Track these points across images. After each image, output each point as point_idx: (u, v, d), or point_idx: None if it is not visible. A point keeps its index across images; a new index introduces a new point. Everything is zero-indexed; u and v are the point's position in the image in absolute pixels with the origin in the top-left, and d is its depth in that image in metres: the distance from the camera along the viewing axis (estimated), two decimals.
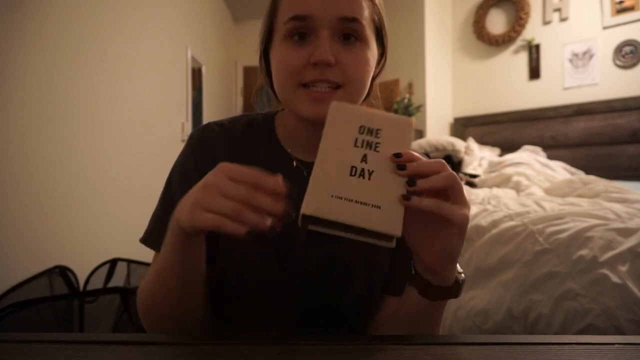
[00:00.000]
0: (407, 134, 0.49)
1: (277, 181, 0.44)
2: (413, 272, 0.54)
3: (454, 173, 0.47)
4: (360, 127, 0.48)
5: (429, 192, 0.46)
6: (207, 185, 0.45)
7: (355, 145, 0.47)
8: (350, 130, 0.48)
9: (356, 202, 0.45)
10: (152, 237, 0.65)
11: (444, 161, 0.48)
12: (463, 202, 0.47)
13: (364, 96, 0.63)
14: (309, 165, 0.66)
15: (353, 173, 0.46)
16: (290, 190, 0.45)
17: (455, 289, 0.53)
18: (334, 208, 0.44)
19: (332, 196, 0.44)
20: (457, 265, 0.53)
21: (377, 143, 0.47)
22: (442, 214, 0.45)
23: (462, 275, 0.54)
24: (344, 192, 0.45)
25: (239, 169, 0.45)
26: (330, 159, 0.47)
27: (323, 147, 0.47)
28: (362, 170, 0.46)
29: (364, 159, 0.47)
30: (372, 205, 0.45)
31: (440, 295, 0.53)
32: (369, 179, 0.46)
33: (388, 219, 0.44)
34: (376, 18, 0.62)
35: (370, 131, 0.48)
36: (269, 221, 0.44)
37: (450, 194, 0.46)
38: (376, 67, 0.65)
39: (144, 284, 0.62)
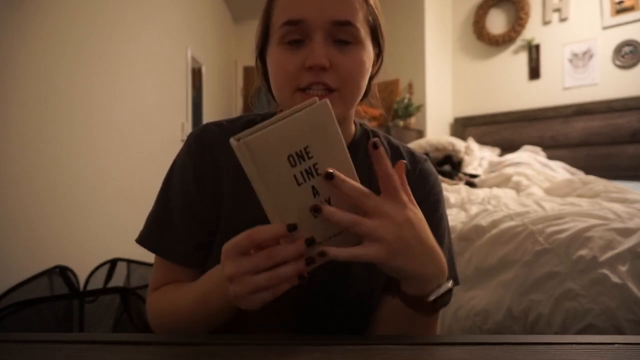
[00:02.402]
0: (330, 127, 0.43)
1: (274, 231, 0.44)
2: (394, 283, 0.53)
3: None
4: (289, 157, 0.42)
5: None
6: (232, 278, 0.45)
7: (299, 184, 0.43)
8: (283, 170, 0.42)
9: (333, 236, 0.46)
10: (149, 238, 0.66)
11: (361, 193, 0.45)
12: (375, 234, 0.44)
13: (359, 98, 0.63)
14: None
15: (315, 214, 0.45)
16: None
17: (419, 304, 0.50)
18: (318, 257, 0.45)
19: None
20: (442, 286, 0.50)
21: (314, 165, 0.43)
22: (357, 231, 0.45)
23: (433, 297, 0.49)
24: (319, 237, 0.45)
25: (238, 244, 0.45)
26: (288, 216, 0.43)
27: (271, 205, 0.43)
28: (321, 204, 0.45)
29: (315, 191, 0.44)
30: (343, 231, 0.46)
31: (411, 303, 0.51)
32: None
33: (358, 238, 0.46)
34: (371, 19, 0.61)
35: (300, 156, 0.43)
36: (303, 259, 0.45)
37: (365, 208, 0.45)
38: (373, 67, 0.65)
39: (160, 303, 0.63)
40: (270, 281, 0.44)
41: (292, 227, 0.44)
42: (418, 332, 0.57)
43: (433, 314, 0.51)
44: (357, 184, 0.46)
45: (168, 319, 0.62)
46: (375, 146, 0.45)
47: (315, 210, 0.44)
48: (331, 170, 0.44)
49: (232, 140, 0.41)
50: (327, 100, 0.44)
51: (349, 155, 0.45)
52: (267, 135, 0.41)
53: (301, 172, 0.43)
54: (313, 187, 0.44)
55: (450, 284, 0.51)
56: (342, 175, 0.45)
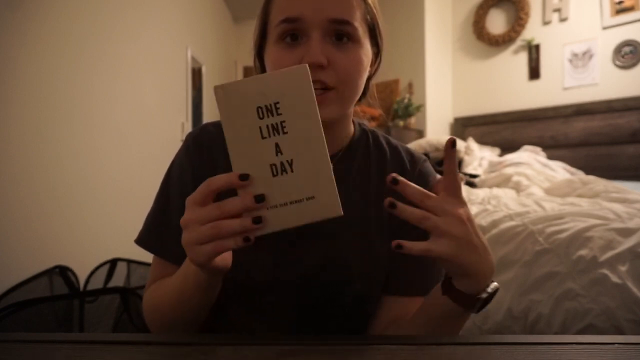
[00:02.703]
0: (305, 90, 0.44)
1: (227, 178, 0.45)
2: (448, 281, 0.52)
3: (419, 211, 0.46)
4: (258, 109, 0.44)
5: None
6: (185, 226, 0.46)
7: (263, 137, 0.44)
8: (250, 119, 0.44)
9: (290, 203, 0.45)
10: (148, 239, 0.66)
11: (418, 189, 0.47)
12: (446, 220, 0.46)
13: (358, 96, 0.63)
14: None
15: (275, 173, 0.44)
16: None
17: (470, 302, 0.51)
18: (271, 221, 0.44)
19: (266, 209, 0.44)
20: (491, 285, 0.52)
21: (282, 122, 0.44)
22: (425, 226, 0.46)
23: (484, 295, 0.51)
24: (274, 199, 0.44)
25: (197, 193, 0.46)
26: (247, 167, 0.44)
27: (233, 153, 0.44)
28: (282, 164, 0.44)
29: (278, 149, 0.44)
30: (307, 199, 0.44)
31: (462, 301, 0.51)
32: (292, 170, 0.45)
33: (326, 204, 0.44)
34: (369, 18, 0.61)
35: (269, 110, 0.44)
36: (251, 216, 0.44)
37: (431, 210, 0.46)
38: (371, 67, 0.65)
39: (151, 297, 0.64)
40: (212, 230, 0.44)
41: (244, 177, 0.44)
42: (447, 332, 0.57)
43: (478, 312, 0.52)
44: (419, 188, 0.47)
45: (158, 310, 0.62)
46: (453, 144, 0.48)
47: (391, 206, 0.45)
48: (395, 175, 0.46)
49: (214, 86, 0.44)
50: (307, 66, 0.44)
51: (319, 123, 0.45)
52: (242, 83, 0.44)
53: (267, 126, 0.44)
54: (277, 145, 0.44)
55: (496, 283, 0.52)
56: (405, 180, 0.47)
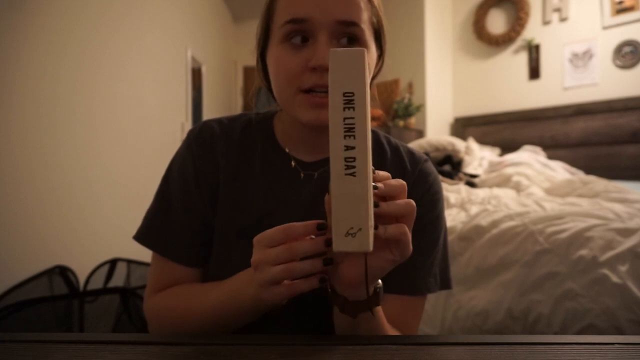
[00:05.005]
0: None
1: (305, 228, 0.45)
2: (329, 290, 0.50)
3: (412, 201, 0.44)
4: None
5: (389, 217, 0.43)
6: (256, 266, 0.46)
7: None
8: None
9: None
10: (148, 235, 0.65)
11: (405, 183, 0.44)
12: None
13: None
14: (307, 166, 0.66)
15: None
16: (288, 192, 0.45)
17: (374, 298, 0.49)
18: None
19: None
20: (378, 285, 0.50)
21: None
22: (402, 242, 0.43)
23: (380, 282, 0.49)
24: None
25: (268, 237, 0.46)
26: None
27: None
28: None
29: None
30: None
31: (361, 309, 0.49)
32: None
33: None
34: (375, 20, 0.61)
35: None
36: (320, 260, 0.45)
37: (408, 222, 0.44)
38: (374, 69, 0.65)
39: (169, 301, 0.62)
40: (285, 273, 0.44)
41: (321, 226, 0.44)
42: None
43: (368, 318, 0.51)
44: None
45: (178, 317, 0.60)
46: None
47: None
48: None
49: None
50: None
51: None
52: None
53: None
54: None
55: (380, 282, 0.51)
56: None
